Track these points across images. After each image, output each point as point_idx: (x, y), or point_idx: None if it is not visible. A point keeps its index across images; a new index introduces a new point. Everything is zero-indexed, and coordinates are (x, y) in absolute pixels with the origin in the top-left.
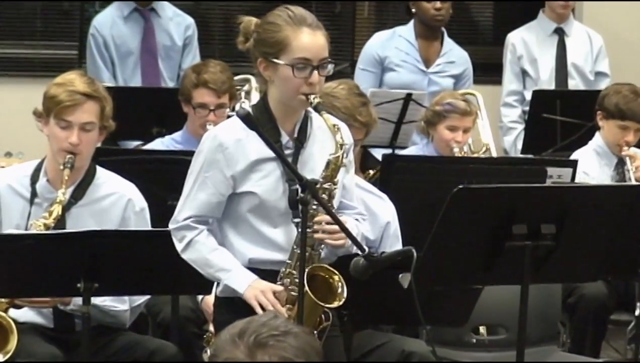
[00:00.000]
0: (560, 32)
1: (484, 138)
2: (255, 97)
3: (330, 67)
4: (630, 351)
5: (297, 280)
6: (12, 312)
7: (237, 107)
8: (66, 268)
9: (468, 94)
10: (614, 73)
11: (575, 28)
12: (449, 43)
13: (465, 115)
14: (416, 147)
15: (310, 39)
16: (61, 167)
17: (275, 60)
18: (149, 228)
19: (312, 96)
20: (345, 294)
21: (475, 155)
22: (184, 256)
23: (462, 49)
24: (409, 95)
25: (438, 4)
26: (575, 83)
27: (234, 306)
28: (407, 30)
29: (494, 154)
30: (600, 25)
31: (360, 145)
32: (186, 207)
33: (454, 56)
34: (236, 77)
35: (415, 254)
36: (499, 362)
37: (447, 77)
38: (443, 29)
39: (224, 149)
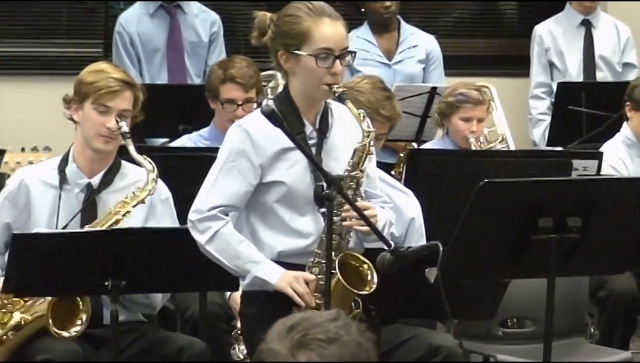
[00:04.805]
0: (587, 24)
1: (499, 129)
2: None
3: (350, 57)
4: None
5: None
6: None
7: (264, 103)
8: (94, 266)
9: (481, 87)
10: None
11: (602, 19)
12: (406, 29)
13: (478, 105)
14: (432, 142)
15: (331, 28)
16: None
17: (298, 52)
18: (175, 216)
19: (335, 86)
20: (375, 281)
21: (492, 144)
22: (209, 247)
23: (424, 32)
24: (434, 88)
25: (387, 3)
26: (603, 75)
27: (261, 299)
28: (363, 30)
29: (511, 144)
30: (625, 17)
31: (384, 140)
32: (212, 197)
33: (415, 40)
34: (262, 73)
35: (441, 248)
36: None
37: (415, 63)
38: (399, 16)
39: (251, 137)
